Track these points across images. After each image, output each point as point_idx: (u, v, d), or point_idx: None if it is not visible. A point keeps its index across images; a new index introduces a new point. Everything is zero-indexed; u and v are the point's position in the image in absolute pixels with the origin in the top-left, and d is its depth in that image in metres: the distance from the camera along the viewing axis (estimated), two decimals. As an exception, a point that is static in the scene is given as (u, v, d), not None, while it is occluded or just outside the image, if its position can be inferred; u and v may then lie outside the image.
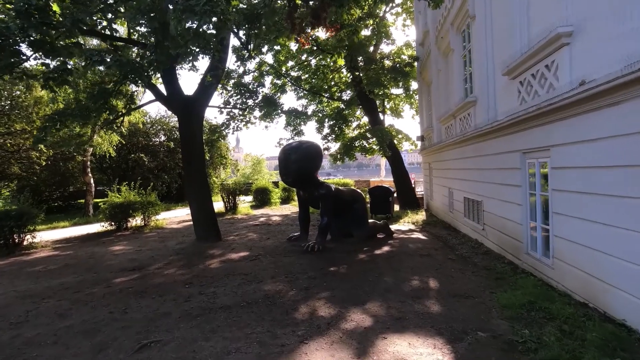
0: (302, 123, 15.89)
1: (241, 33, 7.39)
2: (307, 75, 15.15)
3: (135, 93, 10.56)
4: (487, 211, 6.32)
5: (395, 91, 16.85)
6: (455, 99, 8.25)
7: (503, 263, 5.15)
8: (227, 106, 10.24)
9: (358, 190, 6.98)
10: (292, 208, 14.29)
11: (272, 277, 4.50)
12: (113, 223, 9.05)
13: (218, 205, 14.98)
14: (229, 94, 10.25)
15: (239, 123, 10.53)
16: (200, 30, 4.37)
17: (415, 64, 13.70)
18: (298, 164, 5.86)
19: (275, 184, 17.09)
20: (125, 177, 12.98)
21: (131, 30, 6.81)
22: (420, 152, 14.22)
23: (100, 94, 5.87)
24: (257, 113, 11.06)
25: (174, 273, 5.02)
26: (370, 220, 6.95)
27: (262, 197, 14.99)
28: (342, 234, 6.88)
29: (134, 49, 7.32)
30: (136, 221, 9.22)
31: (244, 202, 15.39)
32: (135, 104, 8.95)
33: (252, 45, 7.64)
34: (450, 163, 9.05)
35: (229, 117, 10.39)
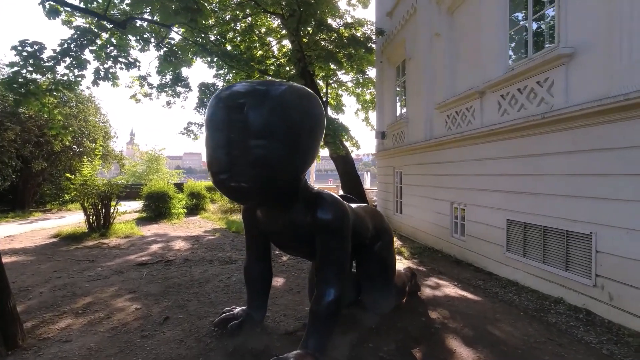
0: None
1: None
2: (231, 35, 10.86)
3: None
4: (619, 256, 3.32)
5: (344, 77, 13.74)
6: (491, 65, 5.27)
7: None
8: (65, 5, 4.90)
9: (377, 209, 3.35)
10: (206, 223, 9.84)
11: None
12: None
13: (76, 218, 9.59)
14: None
15: (105, 61, 5.37)
16: None
17: (374, 44, 10.73)
18: (270, 145, 2.03)
19: (179, 186, 12.28)
20: None
21: None
22: (377, 154, 11.26)
23: None
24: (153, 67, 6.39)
25: None
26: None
27: (157, 206, 10.17)
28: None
29: None
30: None
31: (127, 213, 10.35)
32: None
33: None
34: (459, 167, 6.08)
35: (78, 40, 5.01)
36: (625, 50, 3.23)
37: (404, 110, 9.45)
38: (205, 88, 10.82)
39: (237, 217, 10.71)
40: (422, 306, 3.60)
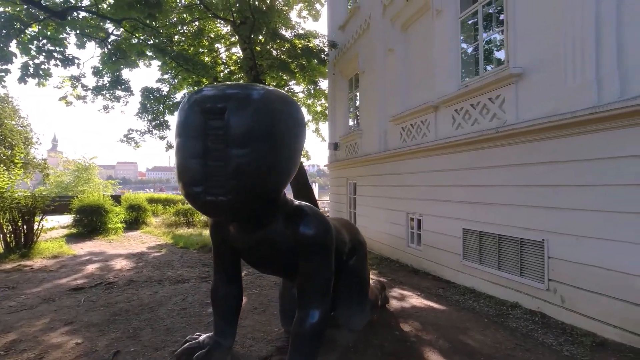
0: (166, 111, 10.86)
1: None
2: (177, 38, 10.24)
3: None
4: (570, 261, 3.57)
5: (296, 88, 13.70)
6: (444, 81, 5.53)
7: None
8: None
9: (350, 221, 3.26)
10: (149, 239, 9.04)
11: None
12: None
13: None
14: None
15: (36, 55, 4.52)
16: None
17: (326, 56, 10.85)
18: (253, 154, 1.80)
19: (116, 199, 11.17)
20: None
21: None
22: (329, 165, 11.29)
23: None
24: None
25: None
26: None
27: (90, 221, 9.13)
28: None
29: None
30: None
31: (54, 229, 9.18)
32: None
33: None
34: (415, 178, 6.26)
35: (2, 29, 4.17)
36: (569, 73, 3.54)
37: (357, 122, 9.62)
38: (148, 93, 10.10)
39: (184, 231, 10.02)
40: (393, 319, 3.56)
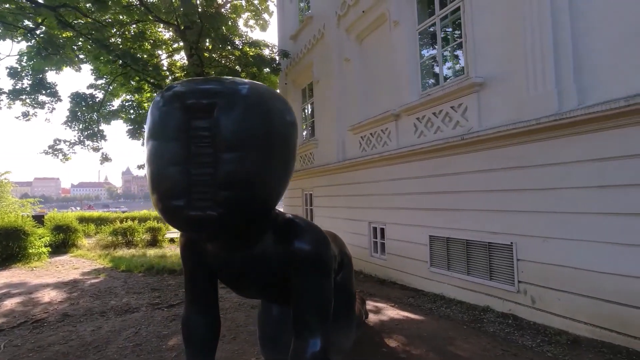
0: (101, 120, 9.78)
1: None
2: (114, 40, 9.30)
3: None
4: (538, 262, 3.69)
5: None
6: (404, 91, 5.60)
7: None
8: None
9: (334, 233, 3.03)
10: (83, 263, 7.91)
11: None
12: None
13: None
14: None
15: None
16: None
17: (278, 65, 10.64)
18: (247, 159, 1.51)
19: (38, 219, 9.68)
20: None
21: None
22: (283, 175, 10.95)
23: None
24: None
25: None
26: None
27: (6, 247, 7.76)
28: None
29: None
30: None
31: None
32: None
33: None
34: (376, 187, 6.24)
35: None
36: (531, 82, 3.72)
37: (312, 132, 9.49)
38: (79, 99, 9.03)
39: (125, 252, 8.97)
40: (376, 334, 3.38)
